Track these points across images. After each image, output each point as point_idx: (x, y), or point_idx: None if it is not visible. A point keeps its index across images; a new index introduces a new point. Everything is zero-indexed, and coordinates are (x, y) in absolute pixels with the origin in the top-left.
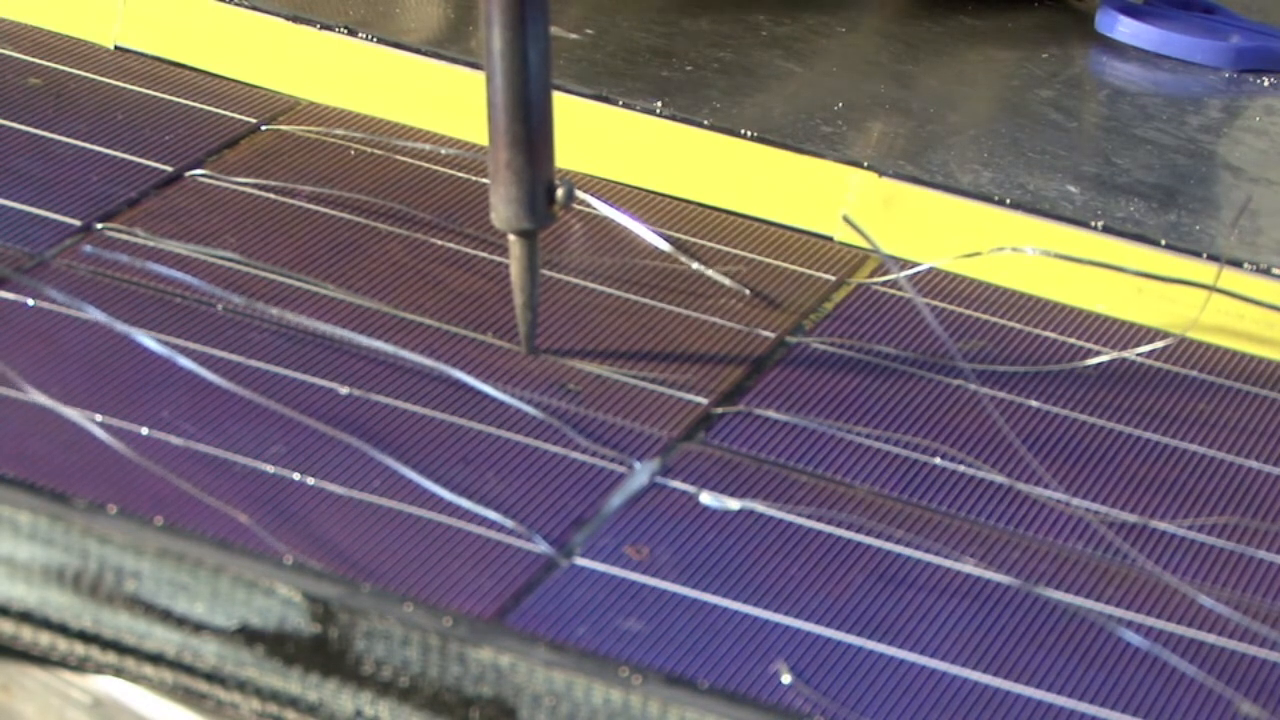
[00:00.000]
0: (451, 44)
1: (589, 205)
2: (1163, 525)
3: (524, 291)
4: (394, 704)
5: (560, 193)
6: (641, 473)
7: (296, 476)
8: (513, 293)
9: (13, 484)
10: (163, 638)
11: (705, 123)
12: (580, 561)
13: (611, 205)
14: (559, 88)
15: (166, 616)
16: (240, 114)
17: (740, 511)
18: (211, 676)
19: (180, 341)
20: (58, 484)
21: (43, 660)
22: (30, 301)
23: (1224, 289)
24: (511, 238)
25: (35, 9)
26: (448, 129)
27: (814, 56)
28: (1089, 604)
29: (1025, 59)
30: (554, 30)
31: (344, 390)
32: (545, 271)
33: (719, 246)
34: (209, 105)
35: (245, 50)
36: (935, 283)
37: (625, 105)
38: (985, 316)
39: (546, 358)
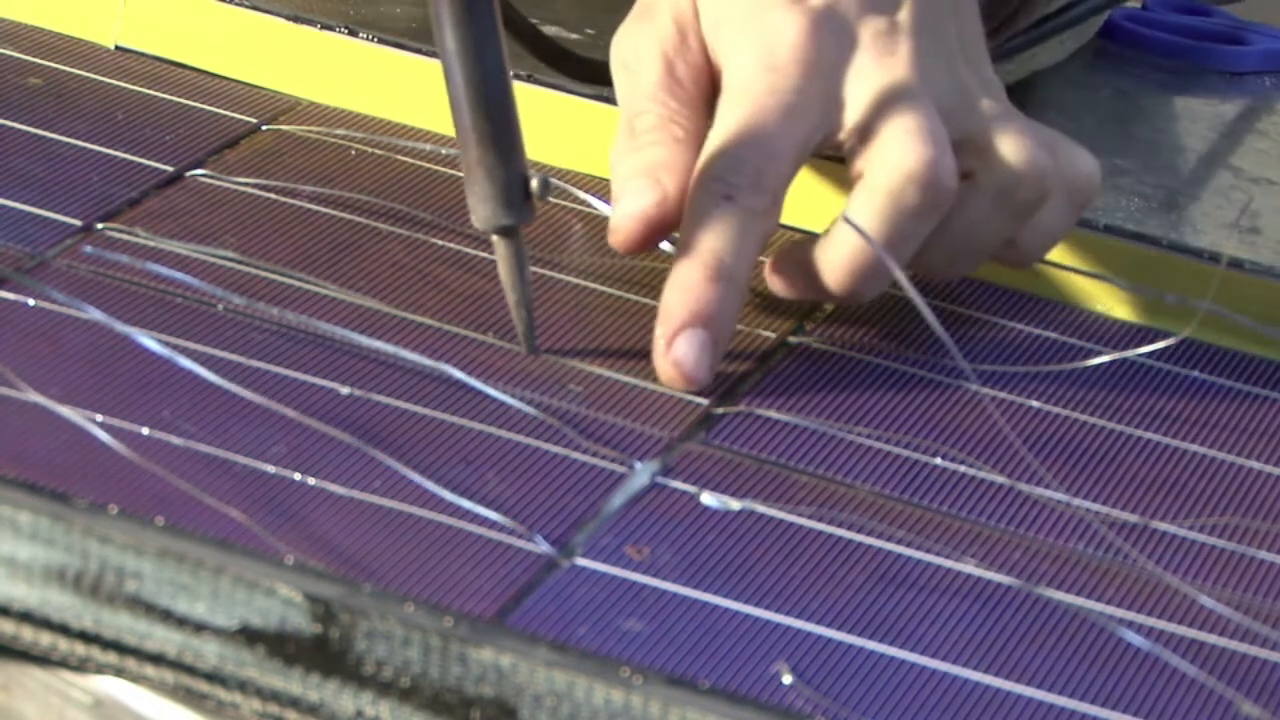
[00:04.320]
0: None
1: (589, 205)
2: (1164, 525)
3: (515, 290)
4: (395, 704)
5: (535, 184)
6: (642, 473)
7: (296, 476)
8: (505, 293)
9: (13, 484)
10: (163, 638)
11: None
12: (581, 562)
13: (558, 181)
14: (559, 88)
15: (167, 617)
16: (240, 114)
17: (741, 512)
18: (212, 677)
19: (181, 341)
20: (58, 484)
21: (43, 660)
22: (30, 301)
23: (1224, 288)
24: (494, 237)
25: (35, 9)
26: (448, 129)
27: None
28: (1090, 604)
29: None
30: (554, 30)
31: (344, 390)
32: (546, 271)
33: None
34: (209, 105)
35: (245, 50)
36: (935, 282)
37: None
38: (985, 316)
39: (547, 358)
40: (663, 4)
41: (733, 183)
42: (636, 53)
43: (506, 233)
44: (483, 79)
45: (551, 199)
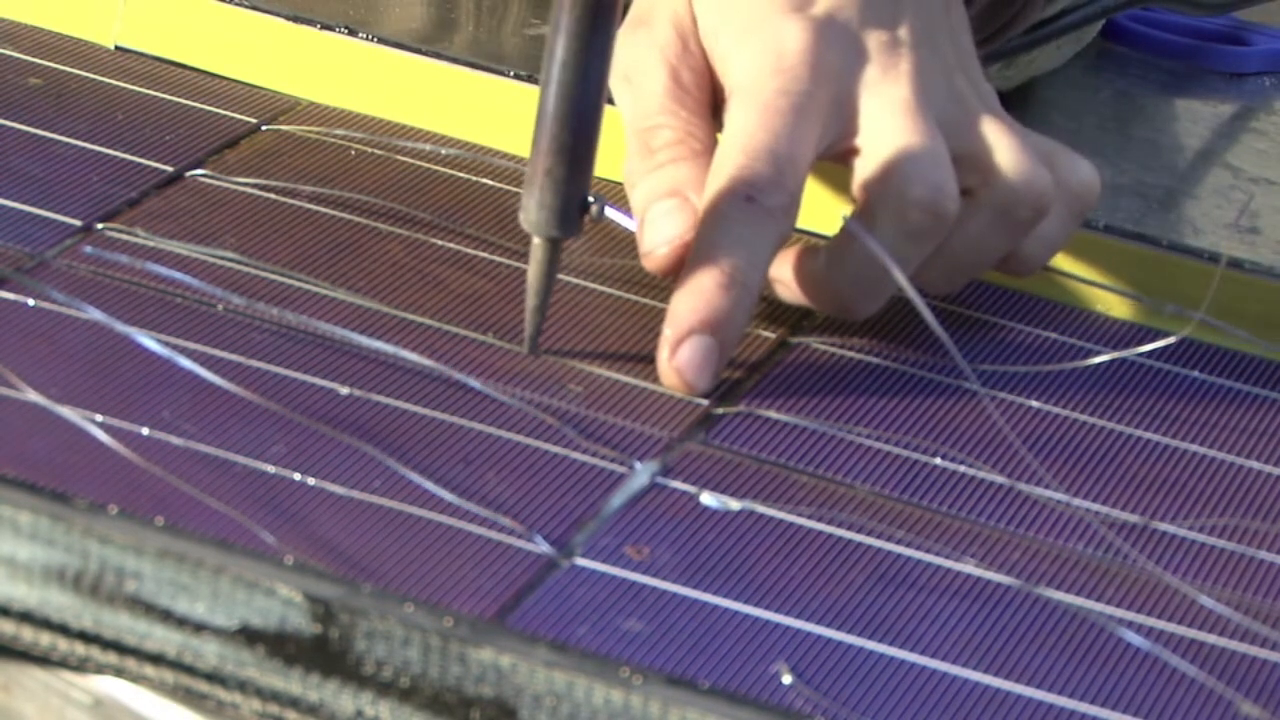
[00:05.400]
0: (452, 44)
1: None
2: (1164, 526)
3: (538, 295)
4: (395, 704)
5: (594, 208)
6: (642, 473)
7: (296, 476)
8: (526, 294)
9: (13, 484)
10: (163, 638)
11: None
12: (581, 562)
13: (612, 205)
14: None
15: (167, 617)
16: (240, 114)
17: (741, 512)
18: (212, 677)
19: (181, 341)
20: (58, 484)
21: (43, 660)
22: (30, 301)
23: (1224, 288)
24: (536, 240)
25: (35, 9)
26: (448, 129)
27: None
28: (1089, 604)
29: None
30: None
31: (344, 390)
32: None
33: None
34: (209, 105)
35: (245, 50)
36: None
37: None
38: (985, 317)
39: (547, 358)
40: (659, 11)
41: (754, 183)
42: (638, 63)
43: (551, 241)
44: (581, 94)
45: None
